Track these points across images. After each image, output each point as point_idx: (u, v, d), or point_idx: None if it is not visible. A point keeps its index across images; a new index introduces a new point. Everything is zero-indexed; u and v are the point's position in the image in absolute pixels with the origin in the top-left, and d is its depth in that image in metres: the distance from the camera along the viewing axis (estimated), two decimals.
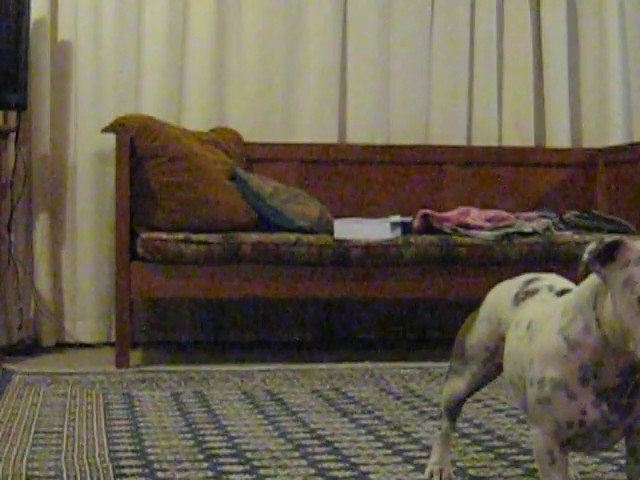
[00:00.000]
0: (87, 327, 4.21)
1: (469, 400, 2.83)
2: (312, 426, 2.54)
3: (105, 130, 3.77)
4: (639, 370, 1.51)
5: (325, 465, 2.13)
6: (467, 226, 3.84)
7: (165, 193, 3.78)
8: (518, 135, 4.59)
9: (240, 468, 2.10)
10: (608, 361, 1.51)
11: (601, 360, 1.51)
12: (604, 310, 1.47)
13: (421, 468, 2.09)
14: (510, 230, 3.79)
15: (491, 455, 2.23)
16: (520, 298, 1.74)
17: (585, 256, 1.45)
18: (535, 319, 1.64)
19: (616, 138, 4.55)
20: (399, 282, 3.70)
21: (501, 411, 2.74)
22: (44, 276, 4.13)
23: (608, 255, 1.44)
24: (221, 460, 2.17)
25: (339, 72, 4.44)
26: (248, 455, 2.22)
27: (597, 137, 4.61)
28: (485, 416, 2.67)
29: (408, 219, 3.91)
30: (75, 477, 2.02)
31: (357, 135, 4.46)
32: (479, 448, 2.30)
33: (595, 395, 1.53)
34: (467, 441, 2.37)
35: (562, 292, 1.67)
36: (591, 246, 1.45)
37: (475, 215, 3.95)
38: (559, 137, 4.60)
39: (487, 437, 2.42)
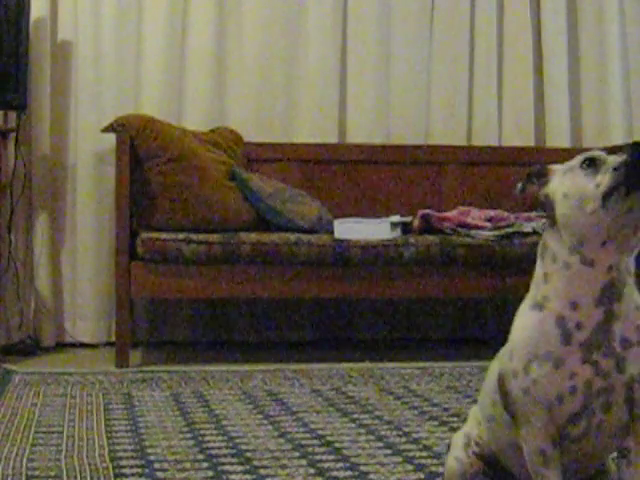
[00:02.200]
0: (87, 327, 4.20)
1: (469, 400, 2.84)
2: (312, 426, 2.54)
3: (105, 130, 3.78)
4: (614, 286, 1.47)
5: (325, 465, 2.13)
6: (467, 226, 3.84)
7: (165, 193, 3.78)
8: (518, 135, 4.59)
9: (240, 468, 2.10)
10: (584, 290, 1.46)
11: (577, 299, 1.46)
12: (562, 220, 1.49)
13: (421, 468, 2.09)
14: (510, 230, 3.79)
15: None
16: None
17: (520, 187, 1.58)
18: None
19: (616, 138, 4.55)
20: (399, 282, 3.70)
21: None
22: (44, 276, 4.12)
23: (540, 178, 1.57)
24: (221, 460, 2.17)
25: (339, 72, 4.44)
26: (248, 455, 2.22)
27: (597, 137, 4.61)
28: None
29: (408, 219, 3.91)
30: (75, 477, 2.02)
31: (357, 135, 4.46)
32: None
33: (582, 349, 1.45)
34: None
35: None
36: (521, 183, 1.59)
37: (475, 215, 3.95)
38: (559, 137, 4.60)
39: None
